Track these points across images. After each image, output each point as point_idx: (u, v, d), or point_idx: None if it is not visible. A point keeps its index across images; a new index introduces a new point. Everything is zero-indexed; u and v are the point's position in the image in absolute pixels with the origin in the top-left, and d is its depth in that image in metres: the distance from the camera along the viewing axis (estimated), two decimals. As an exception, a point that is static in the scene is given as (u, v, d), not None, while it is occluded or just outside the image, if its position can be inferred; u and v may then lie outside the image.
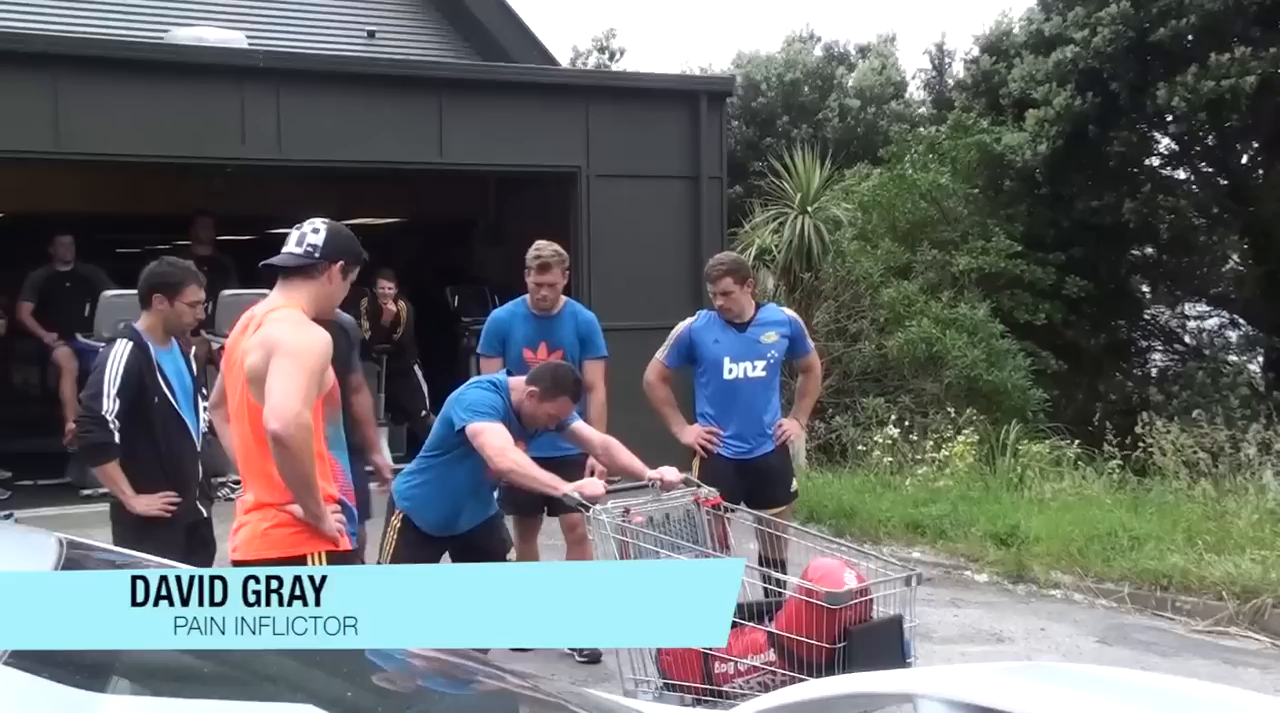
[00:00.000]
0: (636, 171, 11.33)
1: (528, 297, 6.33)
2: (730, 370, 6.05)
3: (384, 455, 6.27)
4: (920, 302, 13.31)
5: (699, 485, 5.01)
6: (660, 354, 6.31)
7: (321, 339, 3.87)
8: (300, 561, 3.89)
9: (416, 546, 5.25)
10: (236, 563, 3.95)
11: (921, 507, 9.30)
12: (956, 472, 10.38)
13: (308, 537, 3.91)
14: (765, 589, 4.65)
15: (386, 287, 11.03)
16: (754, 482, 6.03)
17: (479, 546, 5.35)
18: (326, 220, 4.11)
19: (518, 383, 5.20)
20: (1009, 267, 14.20)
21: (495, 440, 4.90)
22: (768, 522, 5.45)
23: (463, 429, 4.99)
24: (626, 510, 4.63)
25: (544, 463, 5.22)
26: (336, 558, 3.99)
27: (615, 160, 11.25)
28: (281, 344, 3.80)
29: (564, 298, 6.36)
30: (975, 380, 12.57)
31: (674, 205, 11.49)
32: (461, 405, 5.06)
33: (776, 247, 13.74)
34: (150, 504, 5.02)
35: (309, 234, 4.03)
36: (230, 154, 10.27)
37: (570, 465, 5.63)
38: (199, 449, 5.21)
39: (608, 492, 4.74)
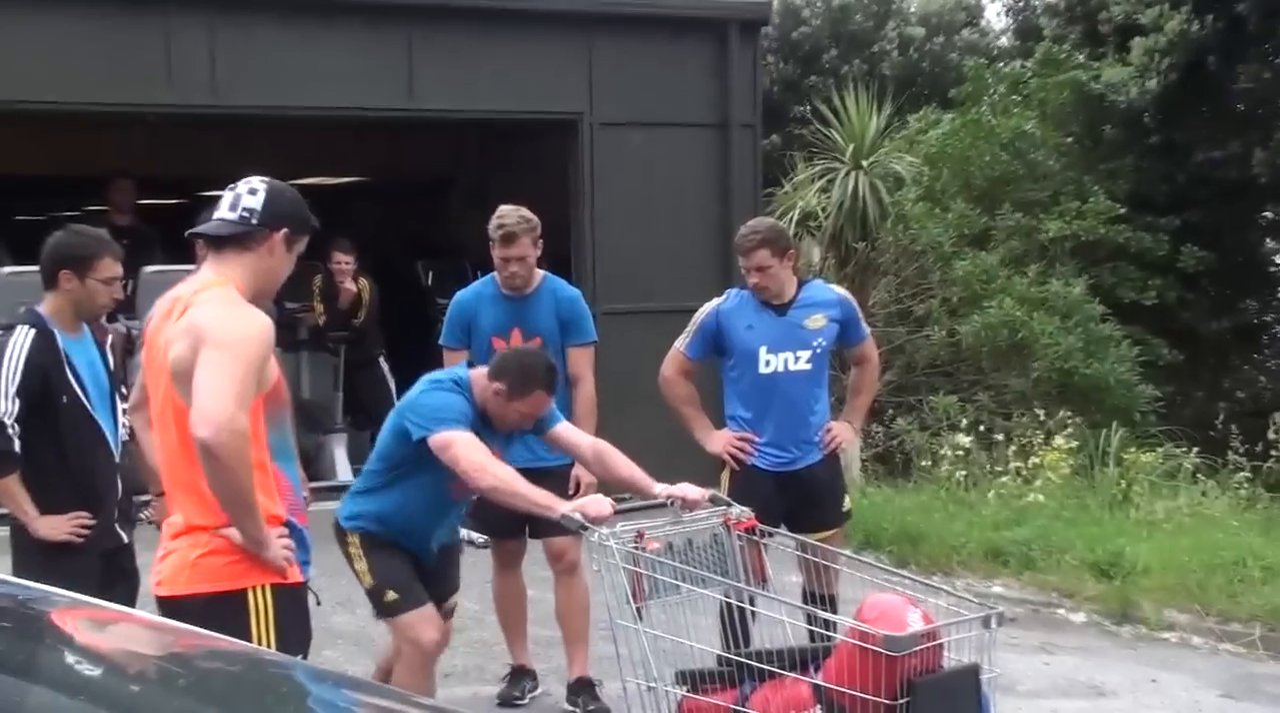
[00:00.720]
0: (651, 118, 11.32)
1: (496, 273, 6.35)
2: (767, 363, 6.03)
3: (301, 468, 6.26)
4: (1001, 277, 13.28)
5: (729, 504, 5.01)
6: (680, 343, 6.27)
7: (260, 325, 3.87)
8: (239, 597, 3.91)
9: (388, 546, 5.25)
10: (162, 599, 3.95)
11: (1004, 530, 9.28)
12: (1047, 486, 10.35)
13: (249, 567, 3.90)
14: (811, 632, 4.66)
15: (344, 261, 11.05)
16: (796, 499, 6.02)
17: (429, 574, 5.35)
18: (267, 179, 4.11)
19: (479, 377, 5.19)
20: (1110, 233, 14.16)
21: (470, 454, 4.88)
22: (813, 549, 5.45)
23: (422, 442, 4.98)
24: (640, 535, 4.62)
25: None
26: (284, 593, 4.00)
27: (625, 105, 11.24)
28: (211, 332, 3.79)
29: (540, 273, 6.36)
30: (1070, 374, 12.54)
31: (697, 160, 11.49)
32: (419, 413, 5.05)
33: (823, 210, 13.72)
34: (57, 527, 5.03)
35: (245, 196, 4.01)
36: (153, 101, 10.29)
37: (552, 478, 5.64)
38: (117, 460, 5.23)
39: (616, 512, 4.74)
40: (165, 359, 3.90)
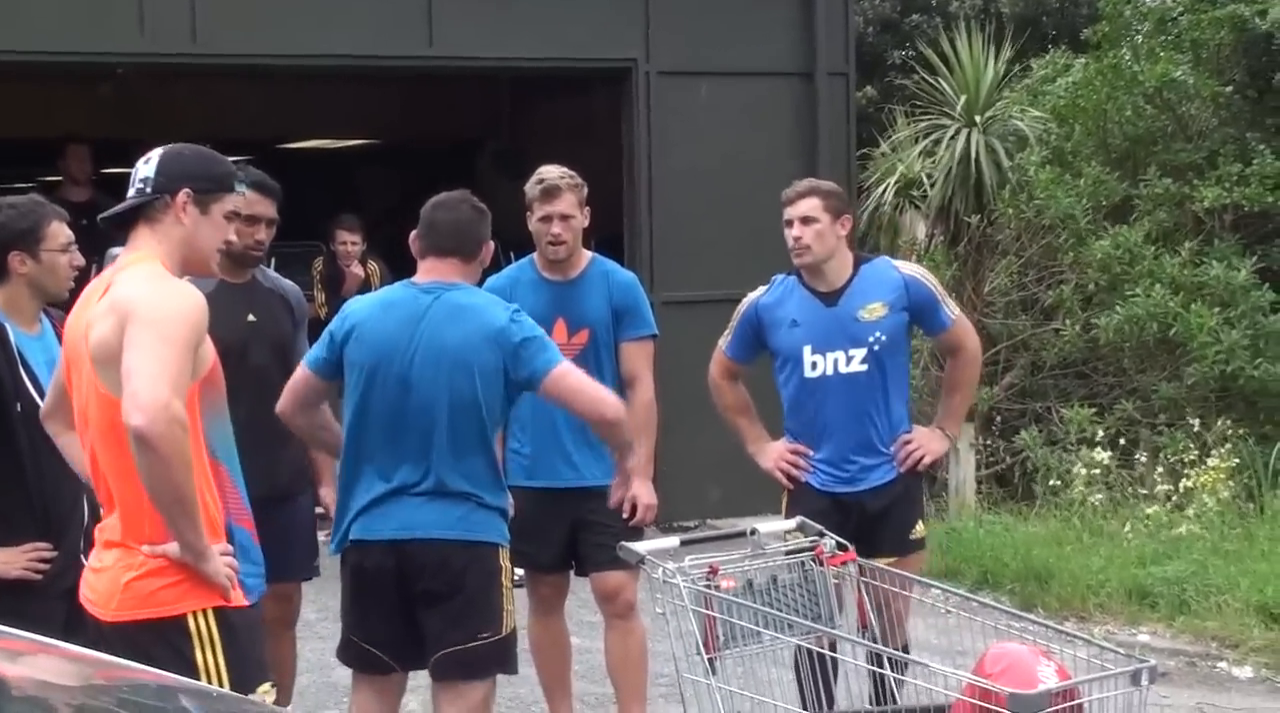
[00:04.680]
0: (719, 67, 11.33)
1: (535, 255, 6.37)
2: (814, 365, 6.03)
3: (333, 489, 6.32)
4: (1148, 258, 13.19)
5: (821, 533, 5.00)
6: (722, 341, 6.33)
7: (191, 300, 4.06)
8: (178, 623, 4.05)
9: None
10: (99, 623, 4.11)
11: (1151, 566, 9.23)
12: (1204, 513, 10.27)
13: (189, 588, 4.06)
14: (882, 679, 4.65)
15: (350, 241, 11.12)
16: (859, 523, 6.01)
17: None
18: (168, 145, 4.37)
19: (458, 274, 5.31)
20: (1281, 203, 14.04)
21: (588, 382, 5.20)
22: (878, 575, 5.34)
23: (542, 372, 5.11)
24: (713, 570, 4.63)
25: (550, 495, 5.34)
26: (231, 616, 4.13)
27: (688, 51, 11.25)
28: (138, 309, 3.98)
29: (588, 254, 6.38)
30: (1233, 377, 12.42)
31: (777, 117, 11.49)
32: (535, 342, 5.15)
33: (929, 176, 13.68)
34: (11, 561, 5.06)
35: (140, 168, 4.31)
36: (124, 49, 10.39)
37: (595, 499, 5.74)
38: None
39: (683, 544, 4.75)
40: (87, 346, 4.08)
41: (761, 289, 6.24)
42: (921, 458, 6.12)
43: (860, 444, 6.07)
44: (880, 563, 5.59)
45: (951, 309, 6.18)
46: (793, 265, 6.15)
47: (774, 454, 6.18)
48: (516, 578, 6.77)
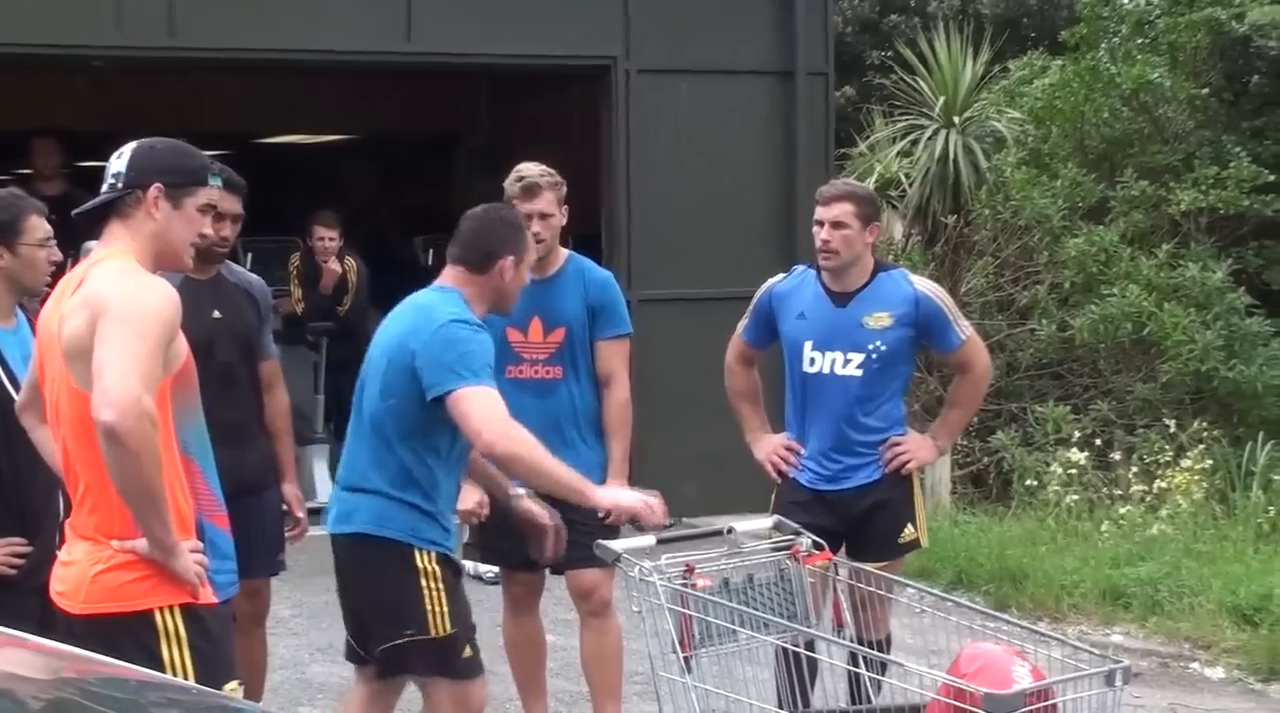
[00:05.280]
0: (699, 66, 11.32)
1: None
2: (812, 361, 6.08)
3: (296, 484, 6.33)
4: (1123, 259, 13.23)
5: (798, 533, 5.01)
6: (740, 326, 6.40)
7: (164, 297, 4.07)
8: (145, 619, 4.06)
9: (457, 587, 5.19)
10: (68, 615, 4.12)
11: (1125, 567, 9.25)
12: (1178, 514, 10.29)
13: (157, 584, 4.07)
14: (861, 679, 4.66)
15: (327, 236, 11.09)
16: (846, 524, 6.07)
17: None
18: (142, 140, 4.35)
19: (464, 282, 5.23)
20: (1256, 206, 14.07)
21: (491, 409, 4.88)
22: (862, 578, 5.35)
23: (443, 399, 4.92)
24: (689, 569, 4.63)
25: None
26: (199, 614, 4.13)
27: (667, 49, 11.25)
28: (110, 304, 3.99)
29: (564, 252, 6.39)
30: (1208, 377, 12.48)
31: (756, 116, 11.48)
32: (449, 354, 4.94)
33: (907, 176, 13.68)
34: (-16, 557, 5.07)
35: (112, 163, 4.31)
36: (99, 42, 10.35)
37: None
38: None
39: (668, 527, 4.75)
40: (59, 340, 4.10)
41: (780, 276, 6.31)
42: (906, 461, 6.14)
43: (842, 445, 6.10)
44: (868, 567, 5.63)
45: (963, 329, 6.19)
46: (788, 268, 6.19)
47: (768, 447, 6.24)
48: (491, 575, 6.76)
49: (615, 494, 4.82)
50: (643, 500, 4.76)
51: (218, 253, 5.91)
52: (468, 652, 5.10)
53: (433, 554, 5.07)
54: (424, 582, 5.04)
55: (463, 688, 5.10)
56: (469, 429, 4.89)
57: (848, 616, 4.94)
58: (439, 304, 5.15)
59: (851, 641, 4.91)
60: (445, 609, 5.03)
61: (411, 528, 5.06)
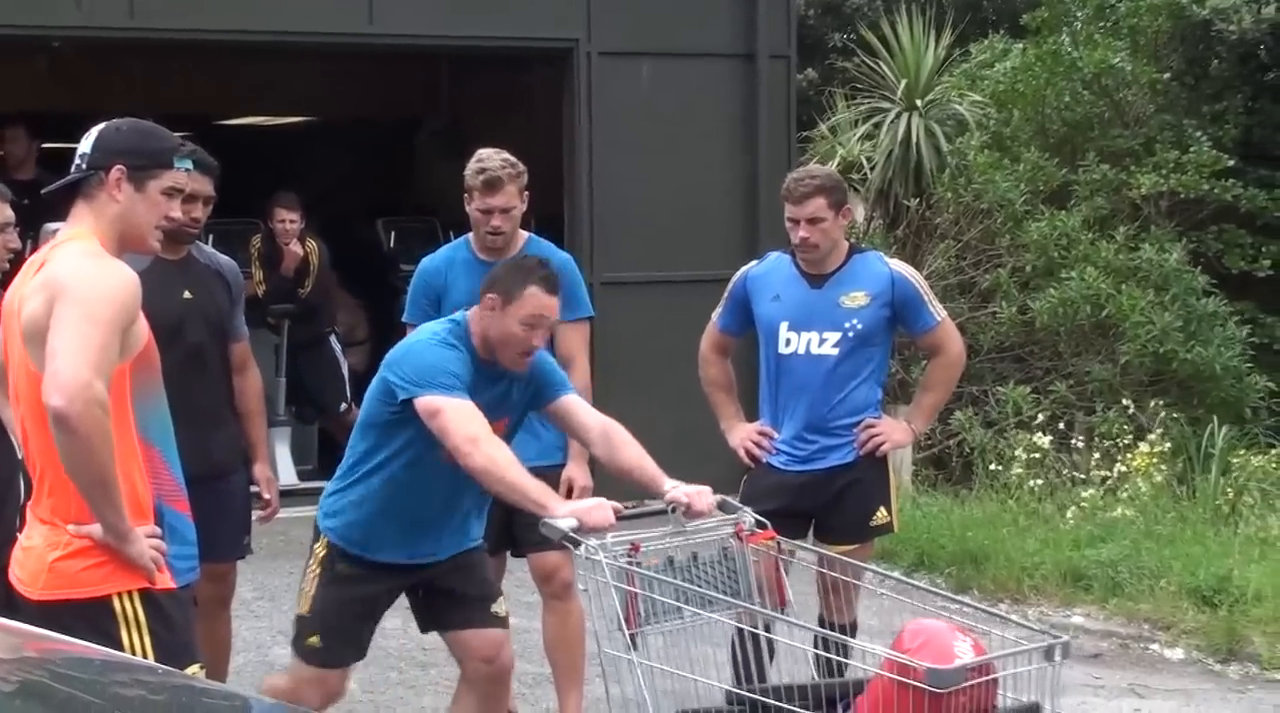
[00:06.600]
0: (661, 48, 11.31)
1: (471, 235, 6.37)
2: (787, 342, 6.12)
3: (269, 466, 6.32)
4: (1084, 242, 13.27)
5: (740, 510, 5.02)
6: (715, 314, 6.42)
7: (120, 280, 4.07)
8: (103, 605, 4.06)
9: (347, 583, 5.26)
10: (27, 601, 4.12)
11: (1085, 549, 9.29)
12: (1138, 496, 10.34)
13: (114, 569, 4.08)
14: (830, 663, 4.69)
15: (288, 219, 11.03)
16: (819, 505, 6.11)
17: (452, 593, 5.37)
18: (110, 121, 4.37)
19: (475, 314, 5.22)
20: (1216, 190, 14.14)
21: (463, 422, 4.88)
22: (829, 562, 5.40)
23: (408, 403, 5.01)
24: (634, 548, 4.62)
25: None
26: (158, 599, 4.14)
27: (629, 32, 11.22)
28: (67, 287, 4.00)
29: (524, 235, 6.39)
30: (1166, 360, 12.54)
31: (718, 98, 11.47)
32: (408, 369, 5.06)
33: (869, 159, 13.70)
34: (-56, 540, 5.03)
35: (81, 144, 4.32)
36: (60, 22, 10.28)
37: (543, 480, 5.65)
38: (19, 455, 5.22)
39: (620, 518, 4.75)
40: (19, 322, 4.11)
41: (754, 262, 6.36)
42: (881, 444, 6.16)
43: (818, 424, 6.13)
44: (839, 550, 5.65)
45: (937, 311, 6.24)
46: (750, 250, 6.20)
47: (742, 433, 6.27)
48: None
49: (573, 508, 4.79)
50: (597, 505, 4.74)
51: (188, 234, 5.88)
52: (314, 641, 5.29)
53: (324, 538, 5.29)
54: (310, 564, 5.32)
55: (307, 670, 5.32)
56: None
57: (789, 592, 4.95)
58: (430, 329, 5.38)
59: (807, 618, 4.93)
60: (311, 593, 5.28)
61: (322, 517, 5.34)
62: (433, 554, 5.32)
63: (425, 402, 4.94)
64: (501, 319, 5.10)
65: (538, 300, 5.08)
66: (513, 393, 5.30)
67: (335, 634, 5.30)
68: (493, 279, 5.20)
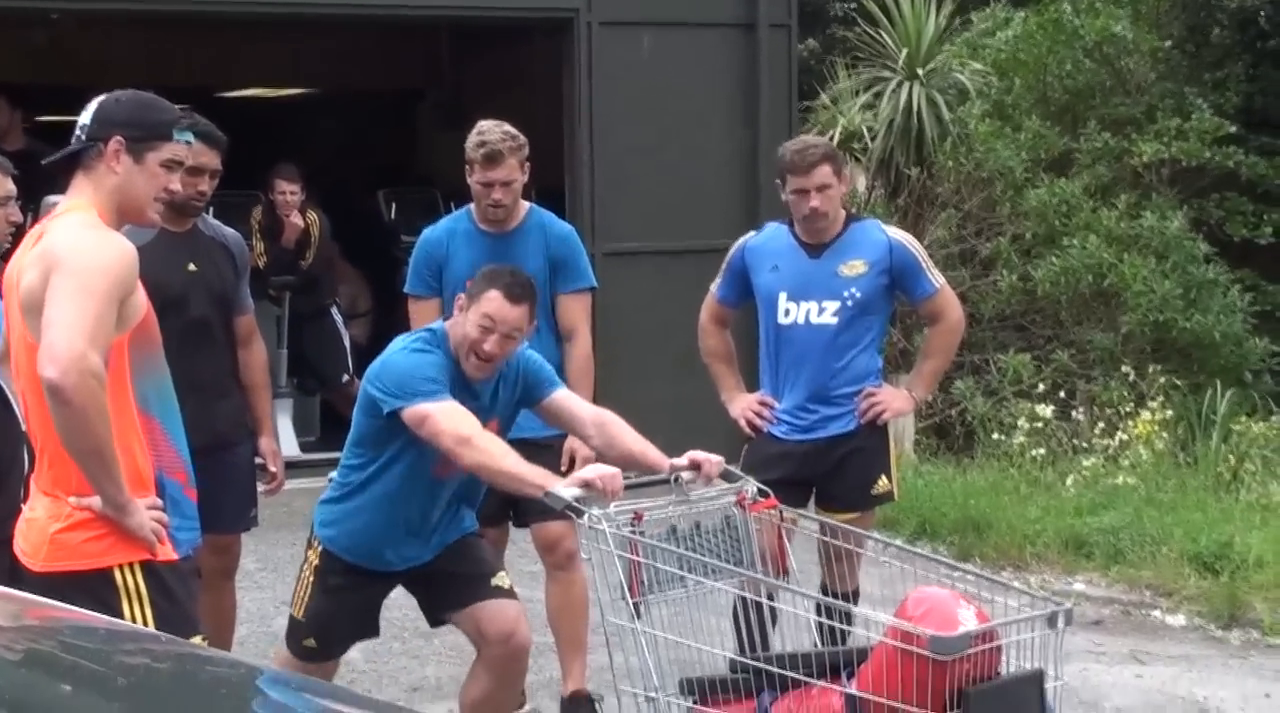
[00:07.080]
0: (662, 17, 11.29)
1: (473, 206, 6.36)
2: (786, 312, 6.13)
3: (274, 439, 6.33)
4: (1085, 210, 13.26)
5: (743, 479, 5.04)
6: (713, 285, 6.42)
7: (116, 251, 4.07)
8: (104, 576, 4.08)
9: (342, 593, 5.34)
10: (30, 573, 4.15)
11: (1087, 516, 9.31)
12: (1139, 464, 10.36)
13: (115, 541, 4.10)
14: (833, 631, 4.70)
15: (289, 191, 11.02)
16: (820, 474, 6.12)
17: (448, 573, 5.39)
18: (111, 93, 4.37)
19: (451, 321, 5.28)
20: (1218, 157, 14.11)
21: (452, 424, 4.91)
22: (831, 530, 5.38)
23: (394, 415, 5.02)
24: (638, 517, 4.64)
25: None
26: (159, 571, 4.16)
27: (630, 1, 11.20)
28: (64, 258, 4.00)
29: (526, 205, 6.40)
30: (1167, 327, 12.53)
31: (719, 68, 11.45)
32: (387, 381, 5.09)
33: (870, 129, 13.68)
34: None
35: (82, 114, 4.33)
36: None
37: (539, 453, 5.63)
38: (23, 427, 5.23)
39: (629, 477, 4.77)
40: (18, 293, 4.12)
41: (752, 233, 6.37)
42: (881, 412, 6.17)
43: (820, 394, 6.15)
44: (840, 518, 5.66)
45: (935, 278, 6.26)
46: (750, 220, 6.20)
47: (742, 404, 6.29)
48: None
49: (576, 476, 4.80)
50: (596, 475, 4.74)
51: (194, 207, 5.88)
52: (310, 643, 5.41)
53: (318, 546, 5.36)
54: (305, 570, 5.41)
55: (303, 665, 5.40)
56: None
57: (791, 560, 4.96)
58: (416, 334, 5.43)
59: (794, 585, 4.94)
60: (306, 599, 5.38)
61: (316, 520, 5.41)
62: (428, 555, 5.39)
63: (411, 411, 4.99)
64: (464, 321, 5.13)
65: (496, 304, 5.09)
66: (500, 393, 5.32)
67: (331, 637, 5.46)
68: (470, 284, 5.27)
